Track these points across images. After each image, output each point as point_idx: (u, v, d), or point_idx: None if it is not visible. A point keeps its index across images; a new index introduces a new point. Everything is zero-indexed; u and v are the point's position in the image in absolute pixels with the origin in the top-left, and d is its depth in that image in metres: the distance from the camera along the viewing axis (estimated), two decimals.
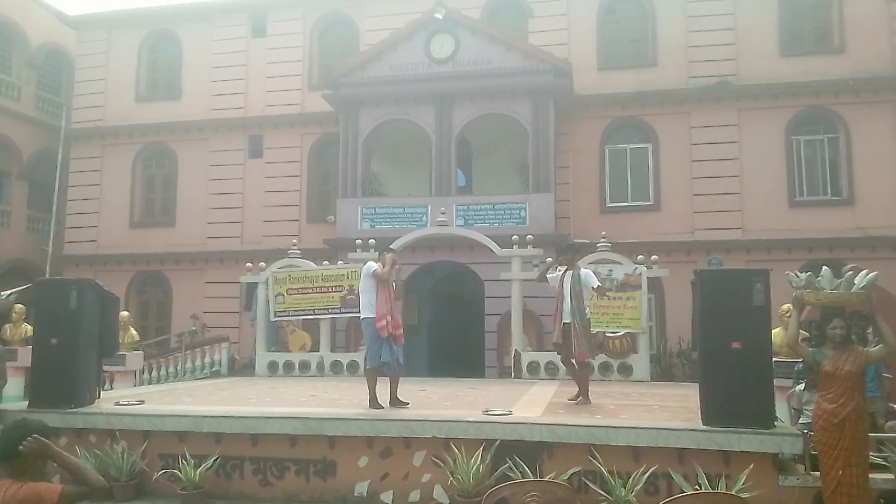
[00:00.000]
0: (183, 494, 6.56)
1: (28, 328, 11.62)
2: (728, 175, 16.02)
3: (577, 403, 7.98)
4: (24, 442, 3.10)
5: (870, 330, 7.77)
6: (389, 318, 7.40)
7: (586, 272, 8.19)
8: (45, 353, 7.49)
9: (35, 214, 20.09)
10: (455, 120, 15.97)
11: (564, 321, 7.91)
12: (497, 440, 6.36)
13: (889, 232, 15.06)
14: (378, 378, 7.61)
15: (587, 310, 8.09)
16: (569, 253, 8.20)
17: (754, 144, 16.09)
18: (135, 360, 12.56)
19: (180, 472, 6.62)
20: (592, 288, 8.07)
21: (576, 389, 8.26)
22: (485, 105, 15.89)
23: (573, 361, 8.05)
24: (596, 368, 12.31)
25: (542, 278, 8.41)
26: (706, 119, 16.33)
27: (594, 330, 12.14)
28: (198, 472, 6.61)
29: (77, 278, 8.42)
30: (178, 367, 14.76)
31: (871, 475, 5.46)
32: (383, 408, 7.42)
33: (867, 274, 5.60)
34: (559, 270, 8.21)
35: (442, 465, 6.41)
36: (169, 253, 18.50)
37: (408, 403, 7.62)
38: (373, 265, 7.67)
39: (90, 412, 7.34)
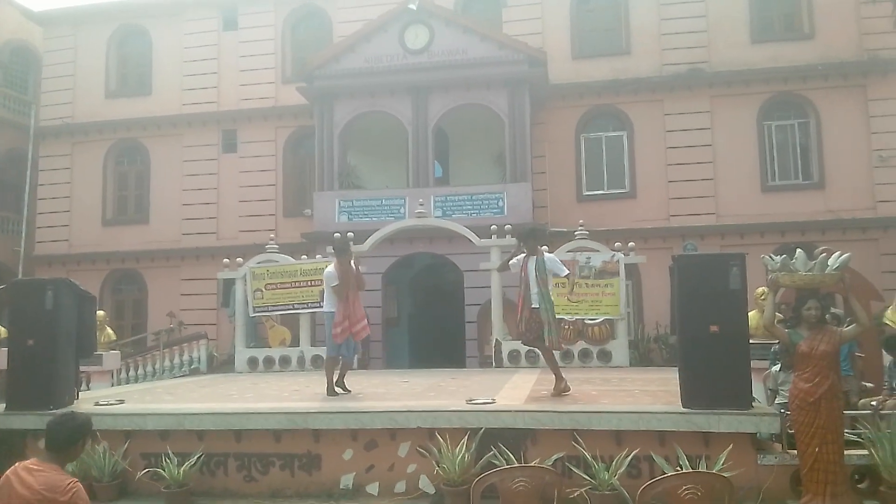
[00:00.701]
0: (167, 493, 6.52)
1: (2, 330, 11.43)
2: (702, 161, 16.22)
3: (567, 393, 7.52)
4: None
5: (836, 310, 7.96)
6: (347, 322, 8.00)
7: (551, 258, 7.88)
8: (22, 354, 7.37)
9: (5, 215, 19.71)
10: (431, 111, 15.95)
11: (533, 306, 7.55)
12: (481, 428, 6.40)
13: (858, 214, 15.37)
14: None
15: (551, 296, 7.71)
16: (530, 239, 7.75)
17: (727, 130, 16.29)
18: (112, 359, 12.40)
19: (163, 470, 6.57)
20: (563, 276, 7.78)
21: (552, 378, 7.92)
22: (460, 96, 15.89)
23: (547, 348, 7.67)
24: (576, 355, 12.44)
25: (505, 267, 8.11)
26: (679, 106, 16.49)
27: (574, 317, 12.40)
28: (181, 469, 6.56)
29: (53, 278, 8.30)
30: (157, 366, 14.62)
31: (846, 452, 5.60)
32: (338, 395, 8.04)
33: (840, 255, 5.72)
34: (520, 258, 7.81)
35: (427, 455, 6.43)
36: (143, 251, 18.28)
37: (350, 391, 8.22)
38: (332, 274, 8.10)
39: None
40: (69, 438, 3.59)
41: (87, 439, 3.76)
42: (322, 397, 8.05)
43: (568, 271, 7.97)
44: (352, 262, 8.21)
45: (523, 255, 7.76)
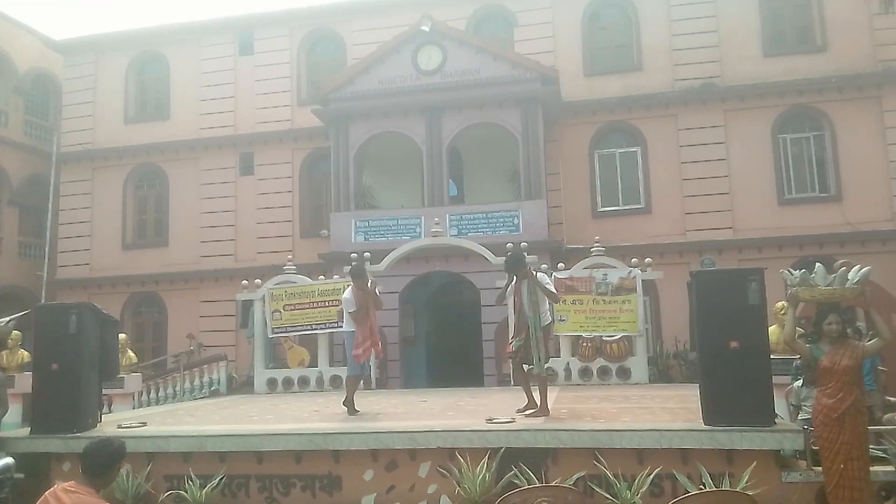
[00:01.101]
0: None
1: (25, 354, 11.60)
2: (717, 175, 16.17)
3: (534, 415, 7.51)
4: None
5: (860, 323, 7.89)
6: (368, 343, 8.23)
7: (542, 276, 7.84)
8: (46, 378, 7.48)
9: (27, 240, 20.04)
10: (445, 130, 16.07)
11: (529, 327, 7.47)
12: (502, 448, 6.39)
13: (877, 226, 15.23)
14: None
15: (549, 316, 7.71)
16: (517, 266, 7.63)
17: (741, 144, 16.25)
18: (134, 382, 12.54)
19: (186, 492, 6.62)
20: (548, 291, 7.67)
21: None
22: (474, 115, 15.99)
23: (532, 372, 7.58)
24: (595, 372, 12.39)
25: (502, 300, 7.99)
26: (693, 121, 16.49)
27: (592, 334, 12.37)
28: (204, 491, 6.60)
29: (76, 302, 8.42)
30: (177, 388, 14.72)
31: (871, 468, 5.53)
32: (359, 412, 8.24)
33: (860, 269, 5.68)
34: (511, 286, 7.73)
35: (448, 475, 6.43)
36: (163, 273, 18.48)
37: (358, 411, 8.32)
38: (349, 300, 8.19)
39: (94, 436, 7.31)
40: (105, 464, 3.74)
41: (122, 464, 3.93)
42: (342, 418, 8.08)
43: (553, 290, 7.85)
44: (368, 283, 8.24)
45: (514, 282, 7.64)
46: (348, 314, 8.24)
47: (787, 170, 16.22)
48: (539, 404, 7.57)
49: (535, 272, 7.78)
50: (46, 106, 21.37)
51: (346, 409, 8.41)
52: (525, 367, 7.66)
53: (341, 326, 13.35)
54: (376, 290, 8.40)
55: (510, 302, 7.80)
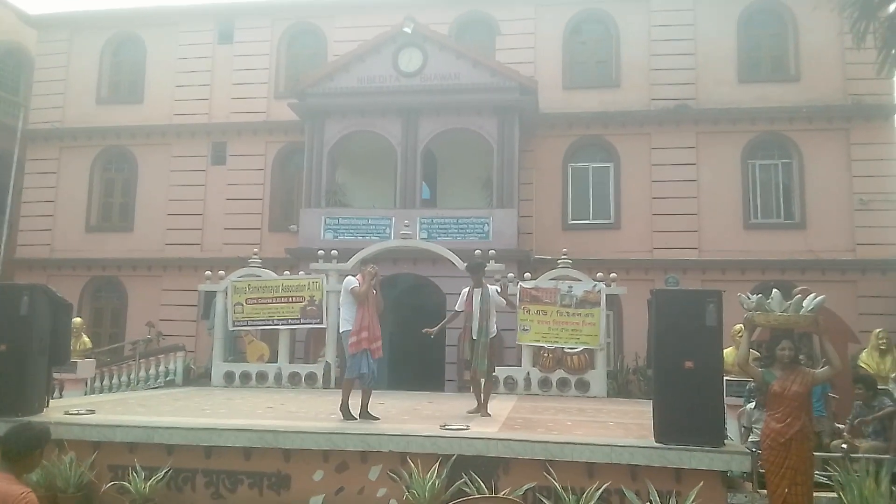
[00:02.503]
0: None
1: None
2: (686, 196, 16.38)
3: (479, 416, 8.31)
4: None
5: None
6: (366, 333, 7.63)
7: (493, 289, 8.60)
8: None
9: None
10: (421, 133, 16.05)
11: (473, 338, 8.37)
12: (454, 455, 6.38)
13: (838, 255, 15.56)
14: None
15: (494, 327, 8.54)
16: (478, 271, 8.55)
17: (712, 167, 16.49)
18: (86, 367, 12.24)
19: (130, 484, 6.49)
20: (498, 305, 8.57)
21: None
22: (451, 119, 16.00)
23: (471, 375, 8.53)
24: (554, 383, 12.44)
25: (460, 307, 8.74)
26: (666, 141, 16.69)
27: (553, 345, 12.43)
28: (148, 484, 6.48)
29: (28, 283, 8.24)
30: (132, 376, 14.41)
31: (815, 493, 5.62)
32: (355, 419, 7.59)
33: (815, 297, 5.78)
34: (465, 291, 8.65)
35: (398, 479, 6.40)
36: (126, 259, 18.13)
37: (378, 418, 7.71)
38: (352, 280, 7.87)
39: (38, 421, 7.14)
40: (25, 448, 3.56)
41: (44, 450, 3.73)
42: (295, 416, 7.99)
43: (504, 304, 8.80)
44: (375, 279, 7.90)
45: (468, 287, 8.45)
46: (350, 292, 7.72)
47: (754, 195, 16.49)
48: (481, 404, 8.32)
49: (487, 285, 8.56)
50: (17, 81, 20.83)
51: (341, 413, 7.74)
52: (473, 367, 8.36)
53: (303, 323, 13.43)
54: (378, 292, 8.02)
55: (467, 308, 8.39)
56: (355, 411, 7.71)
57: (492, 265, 12.94)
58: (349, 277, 8.01)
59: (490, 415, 8.33)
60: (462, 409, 9.07)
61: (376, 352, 7.75)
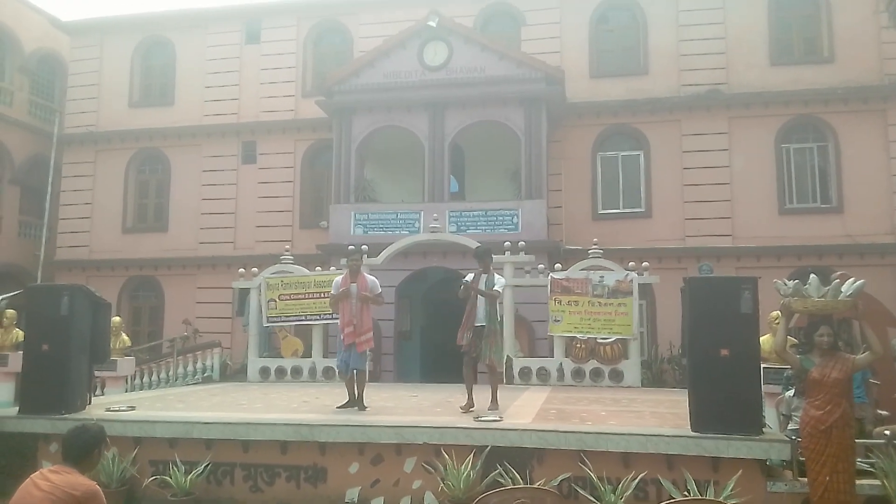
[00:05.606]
0: (173, 501, 6.56)
1: (19, 333, 11.59)
2: (719, 182, 16.13)
3: (489, 410, 7.76)
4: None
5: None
6: (350, 328, 7.99)
7: (499, 277, 8.29)
8: (37, 359, 7.50)
9: (27, 220, 20.02)
10: (448, 127, 16.04)
11: (477, 325, 8.02)
12: (488, 446, 6.39)
13: (877, 239, 15.19)
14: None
15: (500, 315, 8.33)
16: (485, 258, 8.29)
17: (745, 152, 16.21)
18: (126, 365, 12.51)
19: (171, 478, 6.63)
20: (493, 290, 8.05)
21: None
22: (477, 112, 15.95)
23: (487, 366, 8.12)
24: (587, 374, 12.36)
25: (466, 293, 8.21)
26: (697, 127, 16.44)
27: (586, 336, 12.35)
28: (188, 478, 6.61)
29: (68, 284, 8.43)
30: (170, 373, 14.72)
31: (857, 481, 5.52)
32: (355, 408, 7.98)
33: (854, 281, 5.66)
34: (469, 276, 8.27)
35: (433, 471, 6.43)
36: (161, 258, 18.47)
37: (366, 408, 8.00)
38: (336, 282, 8.25)
39: (81, 418, 7.32)
40: (84, 450, 3.82)
41: (102, 449, 3.99)
42: (332, 410, 8.07)
43: (500, 291, 8.29)
44: (356, 267, 8.23)
45: (474, 273, 8.17)
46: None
47: (788, 179, 16.17)
48: (492, 398, 7.96)
49: (493, 272, 8.23)
50: (52, 86, 21.33)
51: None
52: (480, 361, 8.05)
53: (335, 318, 13.51)
54: (365, 282, 8.20)
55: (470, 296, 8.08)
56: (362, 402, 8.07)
57: (521, 256, 12.92)
58: (336, 279, 8.34)
59: (498, 408, 7.87)
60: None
61: (360, 345, 8.03)
